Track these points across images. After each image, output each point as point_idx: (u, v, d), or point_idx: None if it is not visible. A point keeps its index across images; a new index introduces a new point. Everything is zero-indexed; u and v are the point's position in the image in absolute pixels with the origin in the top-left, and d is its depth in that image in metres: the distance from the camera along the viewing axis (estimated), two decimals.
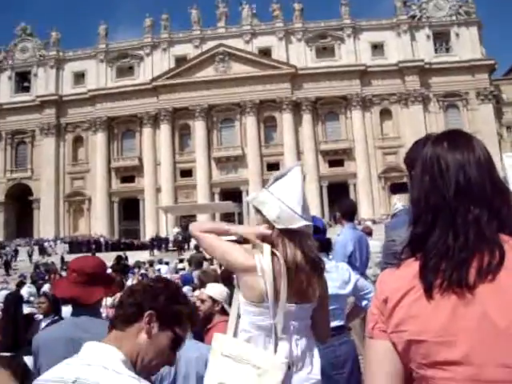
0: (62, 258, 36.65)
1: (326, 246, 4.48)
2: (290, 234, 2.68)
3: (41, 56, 64.92)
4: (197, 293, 7.57)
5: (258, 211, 2.80)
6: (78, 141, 63.82)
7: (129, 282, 14.05)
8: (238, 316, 2.75)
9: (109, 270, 20.58)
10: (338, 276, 4.15)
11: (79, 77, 64.26)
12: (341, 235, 6.35)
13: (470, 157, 1.54)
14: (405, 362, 1.52)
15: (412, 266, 1.54)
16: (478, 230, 1.47)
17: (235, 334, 2.72)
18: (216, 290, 5.08)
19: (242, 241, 2.84)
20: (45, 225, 59.98)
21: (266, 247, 2.68)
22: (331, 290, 3.77)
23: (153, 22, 64.16)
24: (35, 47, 66.02)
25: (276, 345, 2.61)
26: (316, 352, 2.80)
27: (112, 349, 1.88)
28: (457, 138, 1.60)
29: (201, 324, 4.72)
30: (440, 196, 1.52)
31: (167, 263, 24.42)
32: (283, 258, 2.64)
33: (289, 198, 2.70)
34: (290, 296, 2.63)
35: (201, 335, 4.73)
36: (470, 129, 58.55)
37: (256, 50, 61.76)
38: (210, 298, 4.99)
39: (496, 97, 62.63)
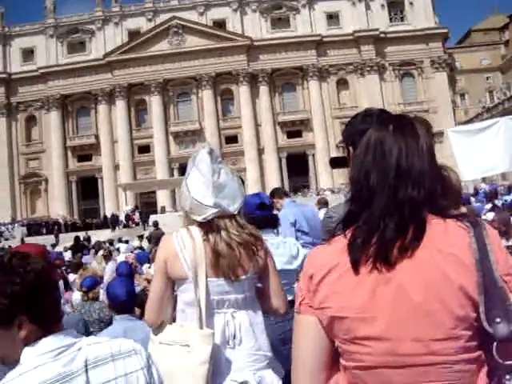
0: (23, 241, 35.61)
1: (273, 222, 4.46)
2: (206, 222, 2.76)
3: None
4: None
5: (180, 201, 2.93)
6: (30, 120, 62.06)
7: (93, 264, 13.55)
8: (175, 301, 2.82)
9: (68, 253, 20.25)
10: (285, 251, 4.17)
11: (28, 53, 62.08)
12: (282, 210, 6.40)
13: (413, 144, 1.56)
14: (330, 337, 1.56)
15: (339, 243, 1.57)
16: (413, 209, 1.50)
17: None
18: None
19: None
20: (0, 208, 58.47)
21: (184, 229, 2.79)
22: (278, 266, 3.83)
23: None
24: None
25: (201, 319, 2.64)
26: (261, 327, 2.81)
27: (70, 332, 1.80)
28: (402, 124, 1.61)
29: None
30: (380, 175, 1.54)
31: (127, 241, 24.08)
32: (203, 238, 2.72)
33: (196, 188, 2.78)
34: (215, 273, 2.69)
35: None
36: (425, 97, 59.72)
37: (210, 22, 60.93)
38: None
39: (450, 65, 63.71)
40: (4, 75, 60.67)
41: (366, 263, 1.48)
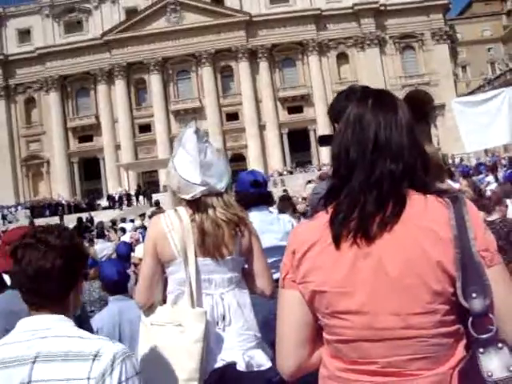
0: (32, 223, 35.08)
1: (267, 199, 4.48)
2: (194, 201, 2.78)
3: None
4: None
5: (168, 182, 2.94)
6: (30, 102, 61.66)
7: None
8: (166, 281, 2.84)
9: None
10: (279, 228, 4.17)
11: (24, 34, 61.37)
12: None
13: (392, 118, 1.57)
14: (312, 311, 1.58)
15: (322, 218, 1.59)
16: (392, 183, 1.51)
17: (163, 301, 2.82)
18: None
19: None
20: (3, 191, 58.47)
21: (172, 210, 2.83)
22: (272, 242, 3.90)
23: None
24: None
25: (192, 298, 2.67)
26: (249, 307, 2.85)
27: (58, 316, 1.74)
28: (381, 99, 1.63)
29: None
30: (359, 150, 1.55)
31: (132, 221, 24.13)
32: (190, 218, 2.74)
33: (183, 167, 2.80)
34: (202, 252, 2.72)
35: None
36: (426, 70, 59.18)
37: None
38: (140, 259, 4.99)
39: (451, 37, 62.92)
40: (0, 57, 60.08)
41: (346, 238, 1.50)
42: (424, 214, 1.49)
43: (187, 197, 2.79)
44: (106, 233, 19.22)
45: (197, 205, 2.79)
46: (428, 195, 1.53)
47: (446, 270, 1.43)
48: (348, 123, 1.60)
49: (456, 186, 7.16)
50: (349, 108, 1.64)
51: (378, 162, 1.53)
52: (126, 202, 46.51)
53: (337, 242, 1.51)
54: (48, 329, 1.67)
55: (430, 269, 1.43)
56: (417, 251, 1.44)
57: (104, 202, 48.96)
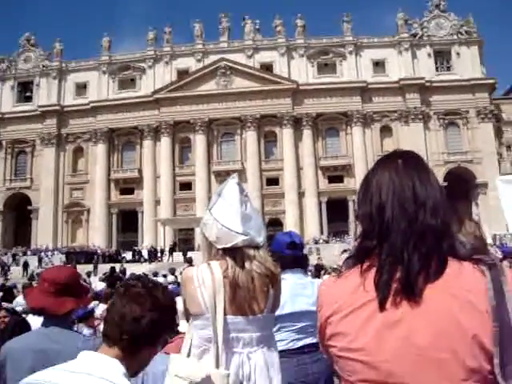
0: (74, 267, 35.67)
1: (303, 262, 4.43)
2: (231, 251, 2.72)
3: (44, 66, 65.26)
4: None
5: (203, 233, 2.86)
6: (78, 151, 64.02)
7: None
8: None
9: (102, 284, 20.53)
10: (312, 292, 4.05)
11: (81, 88, 64.59)
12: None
13: (427, 176, 1.57)
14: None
15: (349, 280, 1.54)
16: (435, 239, 1.46)
17: (190, 352, 2.74)
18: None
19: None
20: (43, 235, 59.91)
21: (205, 264, 2.75)
22: (304, 306, 3.85)
23: (156, 35, 64.57)
24: (38, 57, 66.47)
25: (217, 358, 2.60)
26: (277, 366, 2.76)
27: (114, 362, 1.87)
28: (411, 158, 1.62)
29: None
30: (397, 208, 1.52)
31: (165, 276, 24.16)
32: (223, 274, 2.67)
33: (224, 216, 2.75)
34: (232, 309, 2.66)
35: None
36: (469, 147, 58.89)
37: (258, 64, 62.06)
38: None
39: (496, 116, 62.79)
40: (57, 107, 63.03)
41: (393, 299, 1.43)
42: (458, 281, 1.40)
43: (228, 245, 2.72)
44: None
45: (234, 256, 2.72)
46: (463, 261, 1.45)
47: (482, 345, 1.32)
48: (378, 183, 1.58)
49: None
50: (377, 169, 1.62)
51: (418, 218, 1.48)
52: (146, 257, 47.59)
53: (382, 305, 1.43)
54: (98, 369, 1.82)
55: (466, 343, 1.32)
56: (452, 324, 1.34)
57: (129, 256, 49.27)
